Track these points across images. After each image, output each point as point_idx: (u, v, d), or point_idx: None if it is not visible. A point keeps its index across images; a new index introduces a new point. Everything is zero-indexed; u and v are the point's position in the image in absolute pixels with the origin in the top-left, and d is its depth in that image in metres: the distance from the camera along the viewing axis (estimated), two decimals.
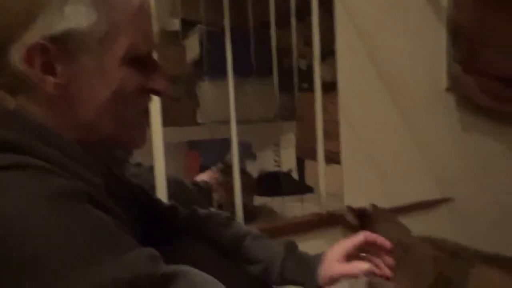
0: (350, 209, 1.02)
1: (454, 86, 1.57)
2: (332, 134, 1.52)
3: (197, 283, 0.44)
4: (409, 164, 1.56)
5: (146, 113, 0.59)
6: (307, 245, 0.82)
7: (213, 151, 2.11)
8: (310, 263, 0.76)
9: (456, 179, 1.60)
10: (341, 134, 1.43)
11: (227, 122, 1.90)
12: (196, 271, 0.45)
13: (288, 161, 2.02)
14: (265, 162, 2.15)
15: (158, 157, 1.14)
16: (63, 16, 0.47)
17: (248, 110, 1.91)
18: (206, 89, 1.93)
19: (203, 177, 1.50)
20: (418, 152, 1.56)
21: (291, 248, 0.77)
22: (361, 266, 0.71)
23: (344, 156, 1.45)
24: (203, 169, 1.93)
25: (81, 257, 0.40)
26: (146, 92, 0.56)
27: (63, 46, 0.48)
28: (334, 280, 0.72)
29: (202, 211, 0.80)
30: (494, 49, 1.54)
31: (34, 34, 0.47)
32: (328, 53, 1.60)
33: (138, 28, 0.52)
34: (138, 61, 0.53)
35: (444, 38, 1.56)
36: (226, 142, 1.98)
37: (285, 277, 0.76)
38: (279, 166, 2.03)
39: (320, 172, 1.41)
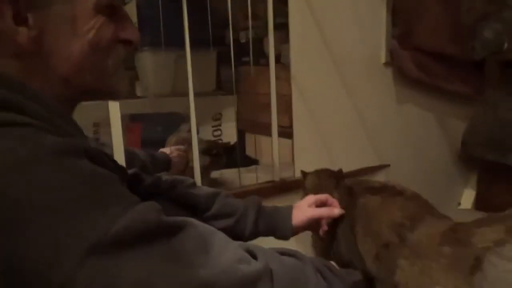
0: (303, 172, 1.17)
1: (391, 61, 1.69)
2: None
3: (203, 232, 0.45)
4: (351, 134, 1.66)
5: (121, 65, 0.57)
6: None
7: (154, 125, 2.07)
8: (283, 211, 0.88)
9: (392, 147, 1.75)
10: (293, 107, 1.48)
11: (168, 95, 1.88)
12: (198, 222, 0.46)
13: (228, 135, 2.04)
14: (205, 136, 2.16)
15: (116, 128, 1.14)
16: None
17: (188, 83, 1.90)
18: (145, 60, 1.86)
19: (164, 150, 1.48)
20: (360, 123, 1.67)
21: (260, 202, 0.88)
22: (335, 209, 0.92)
23: (295, 127, 1.51)
24: (144, 143, 1.90)
25: (93, 210, 0.40)
26: (120, 43, 0.55)
27: None
28: (312, 220, 0.87)
29: (166, 177, 0.82)
30: (426, 26, 1.67)
31: None
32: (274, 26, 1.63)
33: None
34: (110, 9, 0.52)
35: (384, 15, 1.65)
36: (169, 116, 1.96)
37: (259, 226, 0.85)
38: (221, 139, 2.04)
39: (274, 143, 1.47)
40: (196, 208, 0.81)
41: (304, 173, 1.17)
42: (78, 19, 0.49)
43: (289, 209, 0.90)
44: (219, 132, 2.06)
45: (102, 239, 0.39)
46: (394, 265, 0.86)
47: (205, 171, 1.43)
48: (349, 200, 0.98)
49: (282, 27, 1.46)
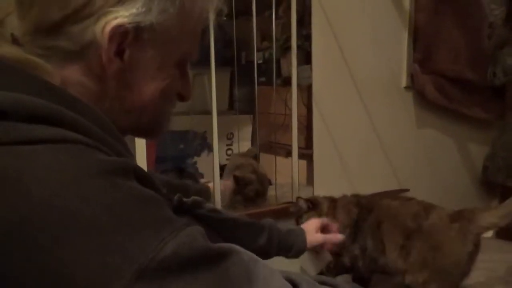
0: (300, 198, 1.28)
1: (412, 85, 1.69)
2: (291, 128, 1.57)
3: (248, 260, 0.45)
4: (370, 157, 1.66)
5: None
6: None
7: (169, 142, 2.09)
8: (298, 233, 0.95)
9: (411, 172, 1.74)
10: (314, 128, 1.49)
11: (183, 113, 1.89)
12: (242, 248, 0.46)
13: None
14: (218, 155, 2.16)
15: (140, 146, 1.16)
16: (151, 9, 0.48)
17: (204, 101, 1.91)
18: None
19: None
20: (379, 146, 1.67)
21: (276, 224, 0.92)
22: (339, 236, 1.06)
23: (315, 149, 1.51)
24: (158, 160, 1.91)
25: (142, 232, 0.39)
26: (177, 95, 0.60)
27: (140, 35, 0.49)
28: (319, 244, 1.00)
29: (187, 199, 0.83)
30: (445, 51, 1.68)
31: (125, 15, 0.47)
32: (288, 47, 1.65)
33: (198, 37, 0.56)
34: (184, 67, 0.57)
35: (405, 40, 1.67)
36: (183, 134, 1.97)
37: (273, 245, 0.89)
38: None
39: (293, 164, 1.46)
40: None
41: (311, 200, 1.26)
42: (162, 68, 0.53)
43: (302, 231, 0.97)
44: (231, 152, 2.07)
45: (150, 264, 0.38)
46: (411, 248, 1.14)
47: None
48: (369, 205, 1.23)
49: (299, 49, 1.48)
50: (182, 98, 0.60)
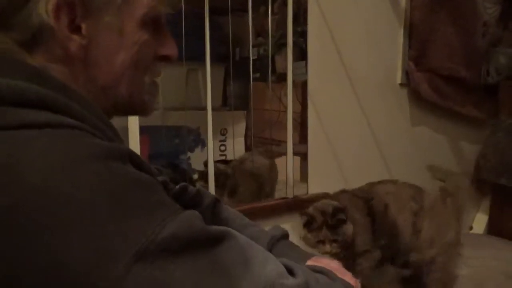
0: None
1: (407, 82, 1.69)
2: (286, 124, 1.57)
3: (244, 244, 0.45)
4: (364, 153, 1.66)
5: (156, 82, 0.58)
6: None
7: (161, 138, 2.07)
8: (300, 250, 0.80)
9: (404, 168, 1.74)
10: (308, 124, 1.49)
11: (177, 109, 1.88)
12: (238, 233, 0.46)
13: (235, 151, 2.04)
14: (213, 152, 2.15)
15: (134, 140, 1.15)
16: None
17: (198, 97, 1.91)
18: None
19: None
20: (373, 142, 1.67)
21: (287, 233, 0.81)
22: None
23: (309, 145, 1.51)
24: (152, 156, 1.90)
25: (140, 215, 0.39)
26: (158, 59, 0.56)
27: (89, 4, 0.47)
28: None
29: (191, 188, 0.81)
30: (439, 49, 1.69)
31: None
32: (283, 44, 1.65)
33: None
34: (154, 25, 0.53)
35: (401, 37, 1.67)
36: (176, 129, 1.96)
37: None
38: (225, 155, 2.04)
39: (288, 160, 1.46)
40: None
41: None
42: (125, 32, 0.50)
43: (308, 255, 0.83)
44: (224, 148, 2.06)
45: (149, 246, 0.38)
46: (421, 226, 1.21)
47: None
48: (367, 194, 1.24)
49: (294, 46, 1.47)
50: (166, 58, 0.56)
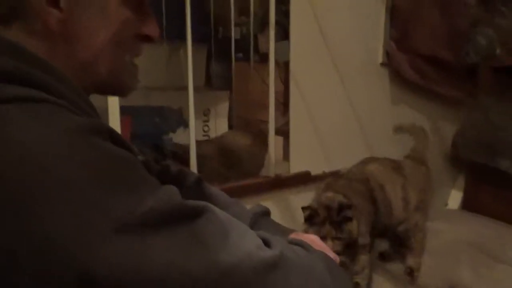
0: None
1: (388, 62, 1.71)
2: (267, 104, 1.58)
3: (222, 218, 0.46)
4: (346, 132, 1.69)
5: (135, 64, 0.58)
6: None
7: (144, 118, 2.06)
8: (281, 226, 0.83)
9: (384, 146, 1.77)
10: (290, 104, 1.50)
11: (159, 88, 1.86)
12: (216, 208, 0.46)
13: (218, 130, 2.04)
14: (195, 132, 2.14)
15: (115, 121, 1.14)
16: None
17: (180, 77, 1.89)
18: None
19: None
20: (355, 121, 1.70)
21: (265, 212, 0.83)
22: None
23: (291, 124, 1.53)
24: (133, 136, 1.89)
25: (120, 190, 0.40)
26: (139, 39, 0.56)
27: None
28: None
29: (174, 167, 0.82)
30: (422, 30, 1.70)
31: None
32: (266, 23, 1.64)
33: None
34: (136, 4, 0.53)
35: (383, 17, 1.68)
36: (159, 110, 1.95)
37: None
38: (208, 135, 2.04)
39: (270, 140, 1.48)
40: None
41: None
42: (107, 9, 0.50)
43: (289, 230, 0.85)
44: (207, 128, 2.06)
45: (129, 219, 0.38)
46: (409, 198, 1.30)
47: None
48: (363, 176, 1.27)
49: (277, 25, 1.47)
50: (147, 38, 0.56)
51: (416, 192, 1.33)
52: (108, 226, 0.37)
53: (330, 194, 1.12)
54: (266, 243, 0.48)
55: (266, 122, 1.58)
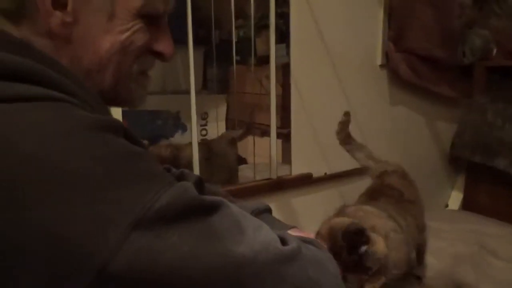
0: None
1: (387, 63, 1.72)
2: (266, 107, 1.58)
3: (237, 213, 0.46)
4: None
5: (147, 74, 0.58)
6: None
7: (141, 122, 2.06)
8: (281, 222, 0.83)
9: (383, 148, 1.78)
10: (291, 106, 1.50)
11: (157, 92, 1.86)
12: (230, 203, 0.47)
13: (215, 134, 2.04)
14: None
15: None
16: None
17: (177, 81, 1.89)
18: None
19: None
20: (354, 123, 1.70)
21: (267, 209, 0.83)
22: None
23: (292, 127, 1.53)
24: None
25: (136, 185, 0.39)
26: (152, 54, 0.55)
27: None
28: None
29: (175, 169, 0.82)
30: (417, 30, 1.71)
31: None
32: (263, 26, 1.64)
33: None
34: (151, 19, 0.52)
35: (381, 18, 1.68)
36: (156, 114, 1.94)
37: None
38: (206, 139, 2.04)
39: (272, 142, 1.48)
40: None
41: None
42: (116, 17, 0.49)
43: (289, 226, 0.83)
44: (205, 132, 2.06)
45: (146, 214, 0.38)
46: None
47: None
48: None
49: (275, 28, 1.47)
50: (160, 55, 0.55)
51: (414, 212, 1.21)
52: (126, 222, 0.37)
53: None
54: (282, 239, 0.48)
55: (263, 124, 1.58)
